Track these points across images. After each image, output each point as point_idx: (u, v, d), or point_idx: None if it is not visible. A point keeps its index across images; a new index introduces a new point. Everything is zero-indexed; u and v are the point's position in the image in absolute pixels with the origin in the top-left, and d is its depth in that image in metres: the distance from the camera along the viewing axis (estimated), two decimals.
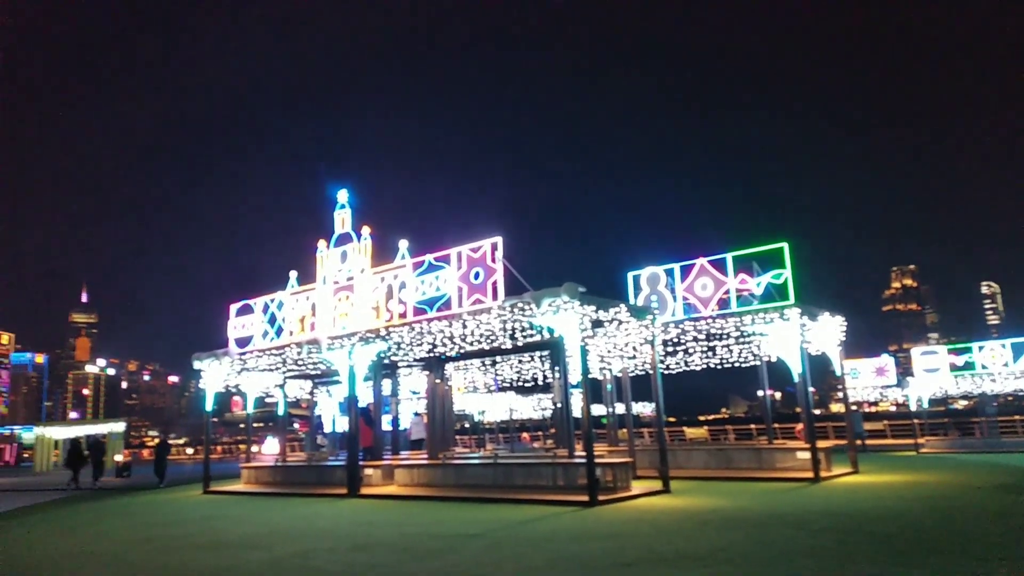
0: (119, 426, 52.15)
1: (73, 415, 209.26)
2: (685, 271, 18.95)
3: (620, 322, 14.88)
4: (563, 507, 12.87)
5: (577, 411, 15.50)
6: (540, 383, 23.26)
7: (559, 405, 17.71)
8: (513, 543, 9.68)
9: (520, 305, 13.88)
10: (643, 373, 21.57)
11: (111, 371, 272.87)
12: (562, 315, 13.38)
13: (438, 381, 18.82)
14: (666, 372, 21.50)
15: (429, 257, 15.69)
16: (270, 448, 38.89)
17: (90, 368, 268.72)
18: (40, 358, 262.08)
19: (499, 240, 14.48)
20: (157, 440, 27.93)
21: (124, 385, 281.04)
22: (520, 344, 16.10)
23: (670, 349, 19.91)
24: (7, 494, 25.30)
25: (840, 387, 21.54)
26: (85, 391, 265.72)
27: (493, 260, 14.44)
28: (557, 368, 17.05)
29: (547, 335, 15.03)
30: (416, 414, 24.56)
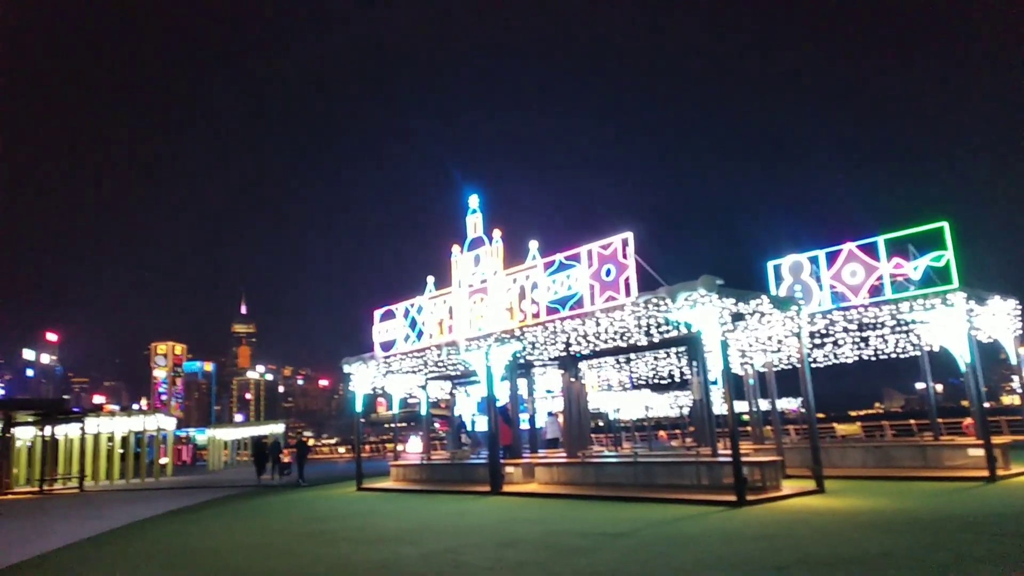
0: (279, 427, 56.29)
1: (238, 418, 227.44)
2: (831, 258, 17.89)
3: (762, 314, 14.26)
4: (709, 507, 12.49)
5: (719, 408, 15.03)
6: (676, 380, 22.72)
7: (698, 402, 17.24)
8: (660, 543, 9.51)
9: (654, 301, 13.63)
10: (788, 367, 20.58)
11: (269, 376, 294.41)
12: (699, 309, 13.01)
13: (573, 379, 18.83)
14: (813, 365, 20.38)
15: (559, 256, 15.75)
16: (413, 447, 40.44)
17: (251, 374, 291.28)
18: (208, 366, 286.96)
19: (630, 236, 14.29)
20: (295, 441, 29.75)
21: (281, 389, 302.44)
22: (656, 340, 15.83)
23: (817, 341, 18.86)
24: (187, 491, 27.85)
25: (1016, 377, 19.52)
26: (248, 395, 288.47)
27: (624, 256, 14.27)
28: (695, 364, 16.60)
29: (684, 330, 14.67)
30: (550, 413, 24.70)
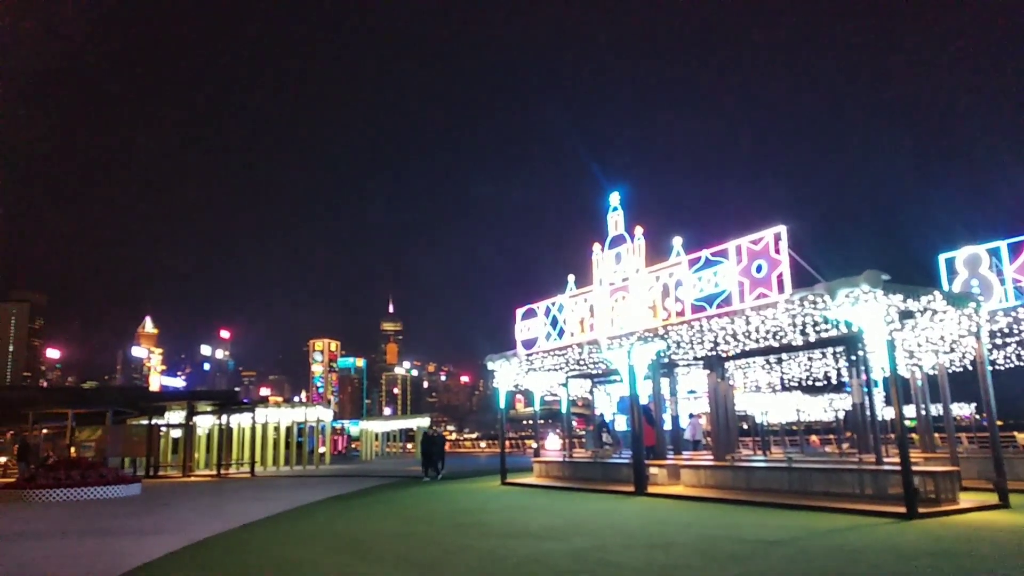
0: (424, 421, 58.52)
1: (387, 411, 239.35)
2: (1014, 250, 16.19)
3: (934, 312, 13.13)
4: (873, 518, 11.69)
5: (882, 412, 14.00)
6: (832, 382, 21.37)
7: (857, 406, 16.13)
8: (822, 554, 9.00)
9: (811, 298, 12.90)
10: (960, 369, 18.82)
11: (414, 372, 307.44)
12: (861, 307, 12.17)
13: (719, 380, 18.21)
14: (992, 368, 18.50)
15: (706, 252, 15.27)
16: (552, 444, 40.78)
17: (398, 370, 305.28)
18: (360, 362, 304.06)
19: (783, 229, 13.61)
20: (431, 434, 30.60)
21: (425, 384, 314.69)
22: (811, 340, 14.96)
23: (998, 341, 17.12)
24: (344, 479, 29.60)
25: None
26: (395, 390, 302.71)
27: (777, 251, 13.61)
28: (854, 365, 15.56)
29: (844, 329, 13.77)
30: (692, 415, 24.04)
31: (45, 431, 43.96)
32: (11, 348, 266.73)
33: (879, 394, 17.55)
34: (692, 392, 25.51)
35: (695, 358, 18.81)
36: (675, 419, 21.22)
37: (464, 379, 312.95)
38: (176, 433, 40.99)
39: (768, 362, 19.12)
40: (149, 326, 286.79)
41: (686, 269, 15.74)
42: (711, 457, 18.18)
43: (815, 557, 8.83)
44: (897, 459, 12.28)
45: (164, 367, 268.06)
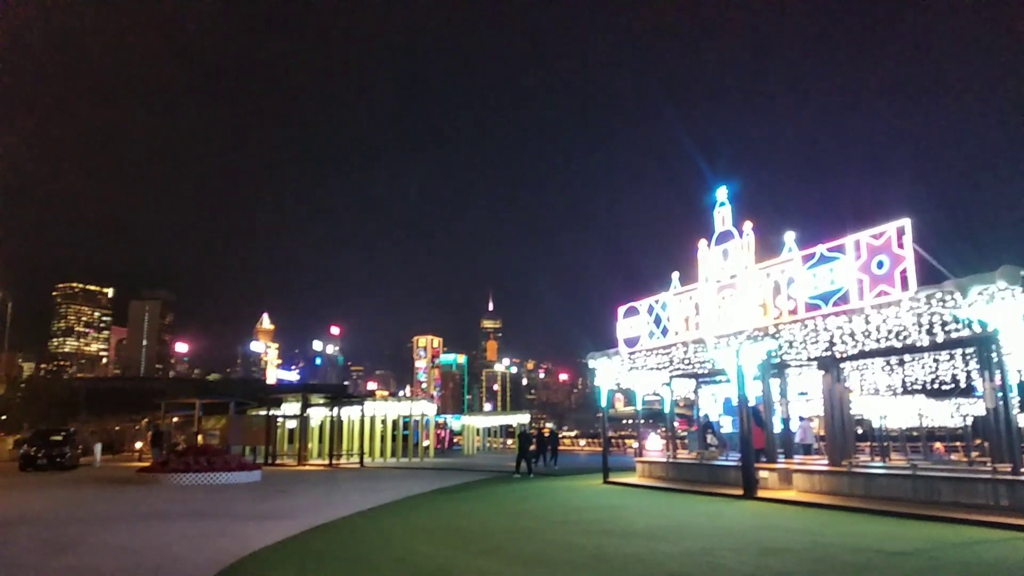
0: (524, 417, 59.02)
1: (487, 407, 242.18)
2: None
3: None
4: (1009, 532, 10.87)
5: (1019, 419, 12.95)
6: (961, 385, 19.93)
7: (990, 411, 14.99)
8: (951, 567, 8.45)
9: (939, 296, 12.10)
10: None
11: (514, 369, 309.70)
12: (997, 305, 11.32)
13: (835, 382, 17.37)
14: None
15: (821, 248, 14.57)
16: (653, 444, 40.12)
17: (497, 367, 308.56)
18: (461, 358, 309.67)
19: (907, 223, 12.80)
20: (522, 431, 30.52)
21: (524, 381, 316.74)
22: (939, 340, 14.01)
23: None
24: (447, 472, 30.26)
25: None
26: (495, 386, 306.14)
27: (900, 246, 12.82)
28: (987, 368, 14.46)
29: (976, 329, 12.82)
30: (802, 418, 23.03)
31: (175, 419, 47.35)
32: (144, 342, 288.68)
33: (1015, 399, 16.23)
34: (803, 394, 24.47)
35: (808, 358, 18.03)
36: (785, 422, 20.41)
37: (563, 377, 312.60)
38: (291, 424, 43.13)
39: (888, 363, 18.07)
40: (266, 322, 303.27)
41: (799, 265, 15.07)
42: (826, 462, 17.38)
43: (944, 570, 8.31)
44: None
45: (279, 361, 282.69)
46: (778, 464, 18.00)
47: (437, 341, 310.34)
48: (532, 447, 38.49)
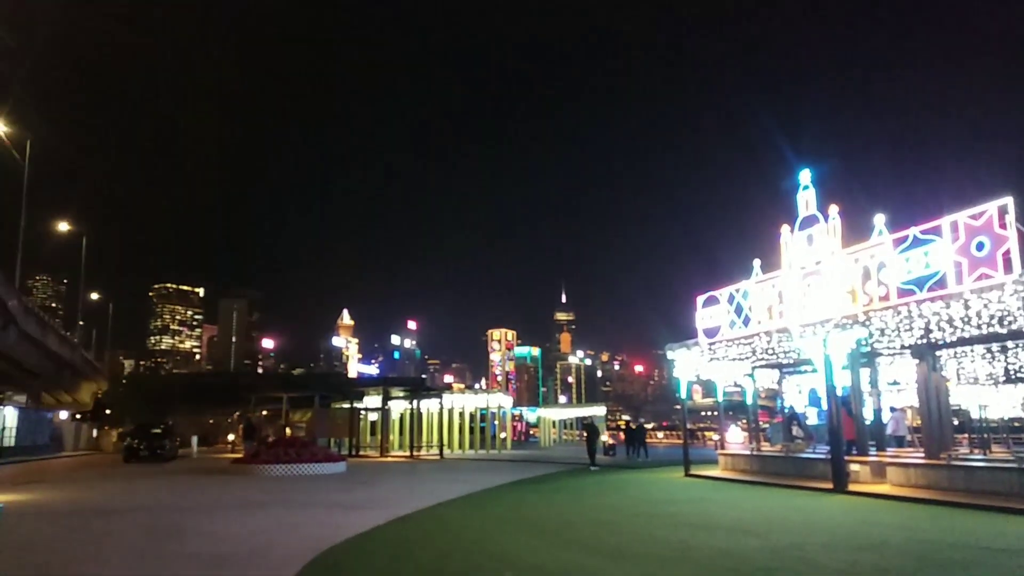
0: (600, 410, 58.73)
1: (562, 399, 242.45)
2: None
3: None
4: None
5: None
6: None
7: None
8: None
9: None
10: None
11: (588, 361, 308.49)
12: None
13: (931, 371, 16.57)
14: None
15: (914, 230, 13.90)
16: (734, 436, 39.22)
17: (571, 359, 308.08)
18: (535, 351, 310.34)
19: (1009, 201, 12.07)
20: (587, 423, 30.05)
21: (599, 374, 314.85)
22: None
23: None
24: (525, 463, 30.43)
25: None
26: (569, 379, 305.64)
27: (1003, 226, 12.10)
28: None
29: None
30: (893, 408, 22.07)
31: (264, 412, 49.30)
32: (233, 339, 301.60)
33: None
34: (895, 384, 23.48)
35: (901, 347, 17.25)
36: (876, 413, 19.61)
37: (638, 368, 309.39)
38: (373, 416, 44.28)
39: (989, 351, 17.14)
40: (347, 318, 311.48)
41: (891, 249, 14.41)
42: (922, 454, 16.62)
43: None
44: None
45: (360, 355, 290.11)
46: (870, 457, 17.32)
47: (511, 334, 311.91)
48: (608, 442, 38.49)
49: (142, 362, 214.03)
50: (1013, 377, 19.74)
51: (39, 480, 22.65)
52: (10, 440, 43.39)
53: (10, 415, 45.00)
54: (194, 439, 43.50)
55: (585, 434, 30.33)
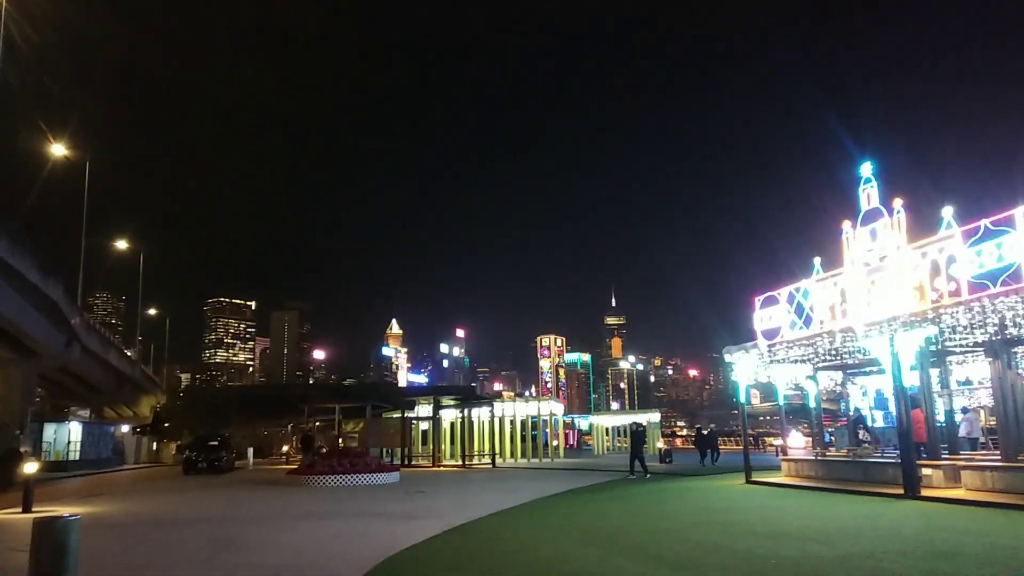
0: (655, 416, 57.85)
1: (614, 406, 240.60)
2: None
3: None
4: None
5: None
6: None
7: None
8: None
9: None
10: None
11: (640, 366, 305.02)
12: None
13: (1007, 368, 15.72)
14: None
15: (985, 222, 13.25)
16: (795, 441, 38.12)
17: (623, 364, 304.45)
18: (585, 357, 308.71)
19: None
20: (634, 428, 28.95)
21: (652, 379, 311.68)
22: None
23: None
24: (578, 471, 30.09)
25: None
26: (621, 384, 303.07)
27: None
28: None
29: None
30: (966, 409, 21.07)
31: (317, 424, 49.95)
32: (285, 351, 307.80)
33: None
34: (966, 383, 22.45)
35: (974, 344, 16.43)
36: (948, 414, 18.75)
37: (692, 373, 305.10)
38: (424, 425, 44.44)
39: None
40: (395, 327, 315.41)
41: (960, 242, 13.76)
42: (998, 457, 15.78)
43: None
44: None
45: (409, 365, 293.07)
46: (943, 460, 16.53)
47: (560, 340, 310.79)
48: (663, 448, 37.80)
49: (198, 375, 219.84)
50: None
51: (103, 492, 23.28)
52: (75, 454, 44.93)
53: (75, 429, 46.62)
54: (250, 451, 44.32)
55: (630, 440, 29.44)
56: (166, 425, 61.07)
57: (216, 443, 36.56)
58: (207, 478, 30.13)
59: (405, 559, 9.50)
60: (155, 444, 61.45)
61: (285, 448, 61.85)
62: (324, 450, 34.10)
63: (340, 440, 40.94)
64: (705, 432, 37.98)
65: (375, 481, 23.75)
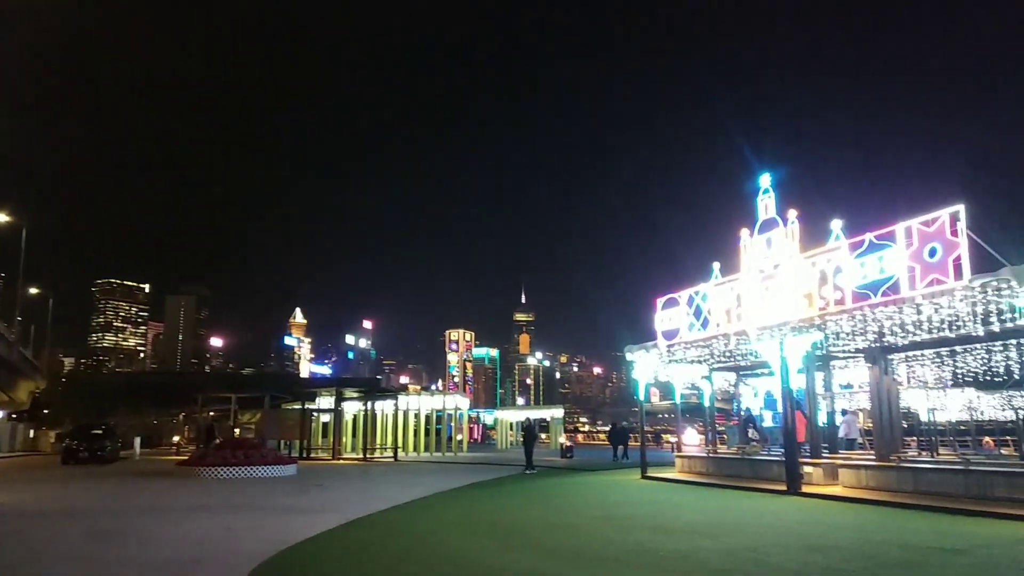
0: (558, 412, 58.75)
1: (520, 401, 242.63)
2: None
3: None
4: None
5: None
6: (1014, 376, 19.24)
7: None
8: (1009, 566, 8.12)
9: (995, 284, 11.63)
10: None
11: (546, 363, 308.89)
12: None
13: (883, 374, 16.86)
14: None
15: (869, 236, 14.11)
16: (690, 439, 39.60)
17: (530, 360, 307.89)
18: (493, 352, 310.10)
19: (961, 208, 12.32)
20: (526, 424, 29.74)
21: (557, 375, 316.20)
22: (995, 330, 13.48)
23: None
24: (481, 466, 30.20)
25: None
26: (528, 380, 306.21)
27: (954, 233, 12.34)
28: None
29: None
30: (845, 411, 22.50)
31: (212, 413, 47.99)
32: (180, 337, 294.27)
33: None
34: (847, 387, 23.94)
35: (855, 350, 17.54)
36: (831, 415, 19.92)
37: (596, 370, 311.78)
38: (325, 418, 43.45)
39: (939, 355, 17.53)
40: (299, 316, 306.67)
41: (847, 254, 14.61)
42: (873, 457, 16.91)
43: (1003, 568, 7.97)
44: None
45: (312, 355, 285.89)
46: (823, 459, 17.56)
47: (469, 335, 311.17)
48: (565, 444, 38.44)
49: (83, 360, 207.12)
50: (961, 381, 20.25)
51: None
52: None
53: None
54: (137, 440, 42.17)
55: (523, 436, 29.84)
56: (45, 412, 57.30)
57: (100, 432, 34.54)
58: (88, 468, 28.43)
59: (297, 554, 9.25)
60: (32, 432, 57.44)
61: (176, 438, 59.23)
62: (218, 441, 32.81)
63: (236, 431, 39.48)
64: (619, 427, 38.68)
65: (271, 474, 23.03)
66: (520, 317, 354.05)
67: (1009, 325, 13.30)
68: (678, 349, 20.35)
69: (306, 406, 40.08)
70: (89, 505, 15.02)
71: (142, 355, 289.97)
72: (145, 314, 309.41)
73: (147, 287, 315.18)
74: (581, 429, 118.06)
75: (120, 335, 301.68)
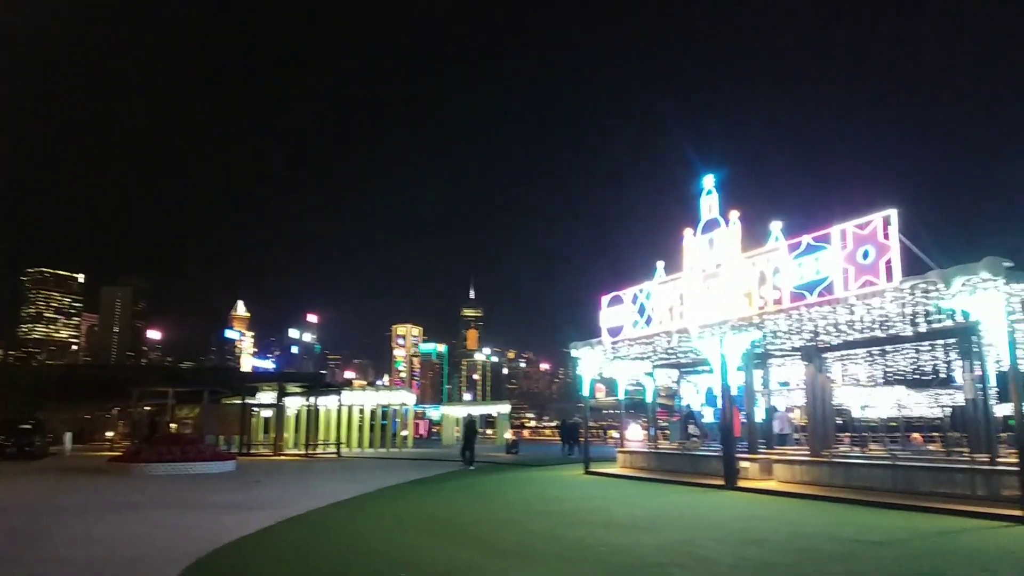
0: (505, 407, 58.83)
1: (467, 396, 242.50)
2: None
3: None
4: (986, 521, 11.01)
5: (1000, 409, 13.04)
6: (941, 375, 20.07)
7: (969, 402, 15.13)
8: (931, 556, 8.46)
9: (923, 286, 12.09)
10: None
11: (494, 359, 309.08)
12: (980, 296, 11.31)
13: (818, 372, 17.39)
14: None
15: (807, 238, 14.50)
16: (634, 434, 40.21)
17: (478, 356, 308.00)
18: (441, 347, 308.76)
19: (893, 213, 12.76)
20: (467, 420, 30.05)
21: (505, 371, 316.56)
22: (922, 331, 14.05)
23: None
24: (426, 462, 30.06)
25: None
26: (475, 376, 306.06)
27: (886, 236, 12.78)
28: (968, 358, 14.55)
29: (960, 319, 12.85)
30: (775, 408, 23.12)
31: (148, 408, 46.52)
32: (116, 329, 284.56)
33: (993, 389, 16.39)
34: (785, 384, 24.58)
35: (792, 349, 18.04)
36: (768, 412, 20.45)
37: (544, 366, 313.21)
38: (267, 413, 42.62)
39: (870, 354, 18.14)
40: (241, 309, 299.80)
41: (785, 255, 14.99)
42: (807, 452, 17.43)
43: (924, 559, 8.31)
44: (1013, 459, 11.42)
45: (255, 349, 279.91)
46: (759, 454, 18.01)
47: (417, 330, 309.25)
48: (510, 439, 38.56)
49: (11, 352, 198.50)
50: (890, 379, 21.00)
51: None
52: None
53: None
54: (67, 436, 40.56)
55: (463, 433, 29.80)
56: None
57: (28, 427, 33.14)
58: (16, 465, 27.24)
59: (230, 552, 9.04)
60: None
61: (110, 434, 57.26)
62: (155, 436, 31.81)
63: (173, 426, 38.38)
64: (570, 423, 38.86)
65: (208, 470, 22.48)
66: (468, 313, 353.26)
67: (936, 326, 13.90)
68: (622, 346, 20.59)
69: (247, 401, 39.22)
70: (14, 503, 14.38)
71: (75, 348, 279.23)
72: (79, 305, 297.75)
73: (81, 277, 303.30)
74: (527, 425, 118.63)
75: (52, 326, 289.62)
